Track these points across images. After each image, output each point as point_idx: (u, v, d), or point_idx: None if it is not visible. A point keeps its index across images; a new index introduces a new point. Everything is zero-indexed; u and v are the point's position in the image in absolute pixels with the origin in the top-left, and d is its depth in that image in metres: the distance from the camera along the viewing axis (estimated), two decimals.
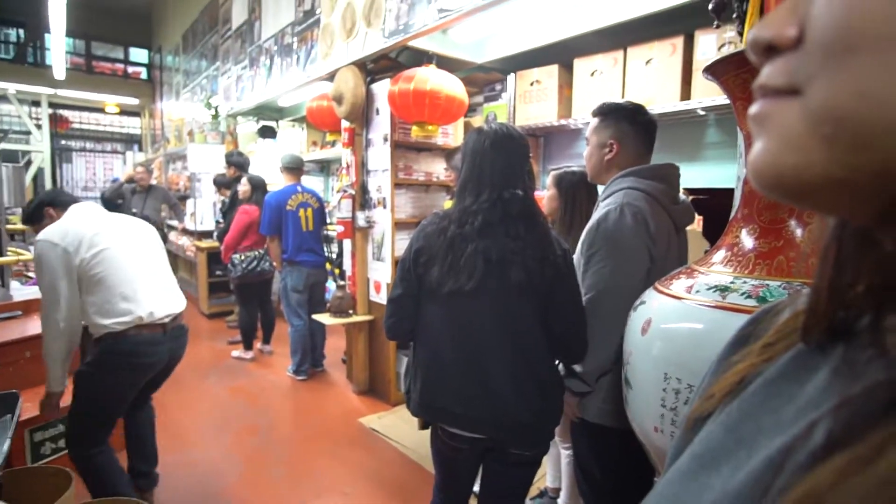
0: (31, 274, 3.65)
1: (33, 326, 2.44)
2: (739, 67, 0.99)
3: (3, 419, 1.40)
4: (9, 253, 2.93)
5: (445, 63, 3.02)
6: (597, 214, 1.42)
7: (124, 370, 1.83)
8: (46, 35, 8.70)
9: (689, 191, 1.67)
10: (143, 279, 1.88)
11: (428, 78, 2.78)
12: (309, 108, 3.92)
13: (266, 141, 5.60)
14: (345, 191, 3.41)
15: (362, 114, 3.30)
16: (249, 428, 3.00)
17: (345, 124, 3.39)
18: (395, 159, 3.18)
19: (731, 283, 0.97)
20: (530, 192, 1.36)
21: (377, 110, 3.24)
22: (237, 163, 4.60)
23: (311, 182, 6.04)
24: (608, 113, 1.50)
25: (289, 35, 4.25)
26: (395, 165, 3.19)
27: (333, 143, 4.69)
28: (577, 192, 1.93)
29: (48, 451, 2.19)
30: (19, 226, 4.90)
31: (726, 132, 2.35)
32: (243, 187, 4.09)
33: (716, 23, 1.39)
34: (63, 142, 10.46)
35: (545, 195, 2.03)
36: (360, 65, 3.24)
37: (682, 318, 1.02)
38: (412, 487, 2.39)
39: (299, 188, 3.81)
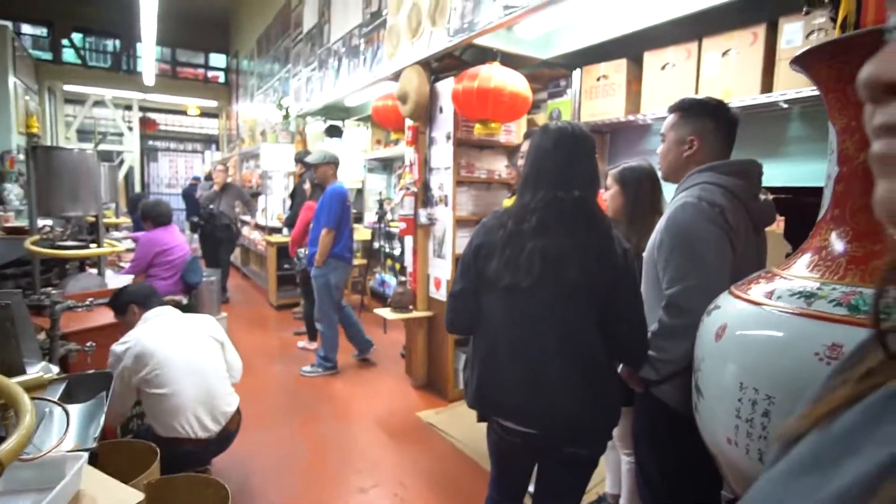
0: (123, 263, 3.98)
1: None
2: (834, 57, 0.92)
3: (99, 396, 1.54)
4: (105, 244, 3.19)
5: (510, 60, 2.99)
6: (671, 208, 1.36)
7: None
8: (138, 44, 9.46)
9: (770, 189, 1.57)
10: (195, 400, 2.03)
11: (492, 75, 2.77)
12: (374, 108, 4.01)
13: (333, 140, 5.81)
14: (407, 188, 3.47)
15: (426, 112, 3.34)
16: (314, 416, 3.13)
17: (409, 123, 3.45)
18: (457, 157, 3.20)
19: (819, 289, 0.91)
20: (591, 192, 1.33)
21: (441, 109, 3.27)
22: (305, 161, 4.81)
23: (375, 180, 6.22)
24: (689, 108, 1.44)
25: (356, 37, 4.37)
26: (458, 163, 3.21)
27: (397, 142, 4.78)
28: (640, 185, 1.86)
29: (134, 427, 2.38)
30: (113, 220, 5.36)
31: (812, 126, 2.18)
32: (306, 185, 4.26)
33: (805, 8, 1.30)
34: (150, 142, 11.36)
35: (607, 194, 1.96)
36: (425, 64, 3.28)
37: (762, 325, 0.96)
38: (467, 482, 2.40)
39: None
